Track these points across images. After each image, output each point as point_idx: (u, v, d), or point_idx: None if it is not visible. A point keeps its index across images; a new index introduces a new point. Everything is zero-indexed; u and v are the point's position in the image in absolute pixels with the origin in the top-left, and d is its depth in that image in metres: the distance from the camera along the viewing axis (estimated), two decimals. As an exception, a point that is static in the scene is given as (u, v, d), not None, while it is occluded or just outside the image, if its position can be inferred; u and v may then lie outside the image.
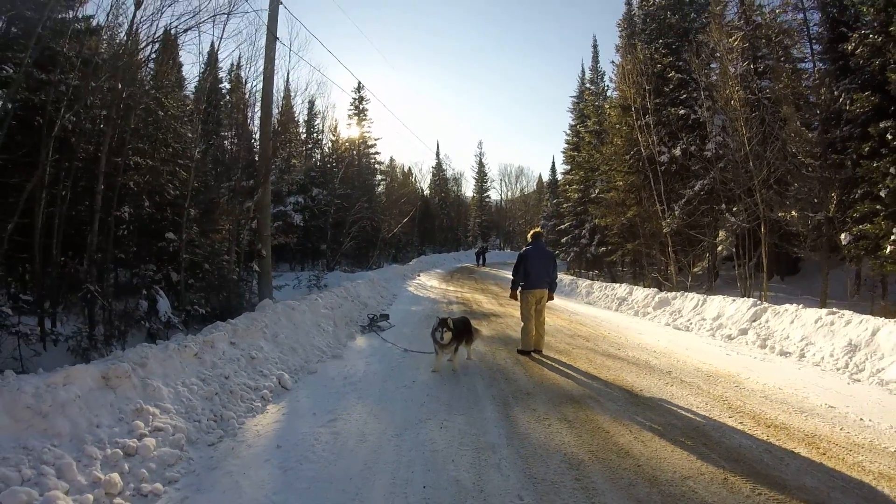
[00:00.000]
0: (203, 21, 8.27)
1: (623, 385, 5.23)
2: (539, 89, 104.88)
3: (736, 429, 3.91)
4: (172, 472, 3.23)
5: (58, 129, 7.18)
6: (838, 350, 5.98)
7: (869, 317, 6.23)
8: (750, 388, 5.02)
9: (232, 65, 16.97)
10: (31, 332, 6.62)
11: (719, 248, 17.36)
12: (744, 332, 7.74)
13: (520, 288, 6.96)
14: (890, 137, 9.90)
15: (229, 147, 15.70)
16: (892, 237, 9.60)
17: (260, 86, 11.64)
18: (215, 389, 4.38)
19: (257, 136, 14.31)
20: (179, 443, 3.52)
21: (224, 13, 8.75)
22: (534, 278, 6.75)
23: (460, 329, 5.87)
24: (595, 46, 28.36)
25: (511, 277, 7.14)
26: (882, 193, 10.01)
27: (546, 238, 30.80)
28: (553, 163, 48.76)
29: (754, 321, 7.93)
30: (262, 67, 10.96)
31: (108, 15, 8.27)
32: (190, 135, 11.47)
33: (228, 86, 18.22)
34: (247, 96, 13.74)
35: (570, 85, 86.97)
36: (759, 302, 8.60)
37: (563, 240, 26.62)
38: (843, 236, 11.06)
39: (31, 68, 6.92)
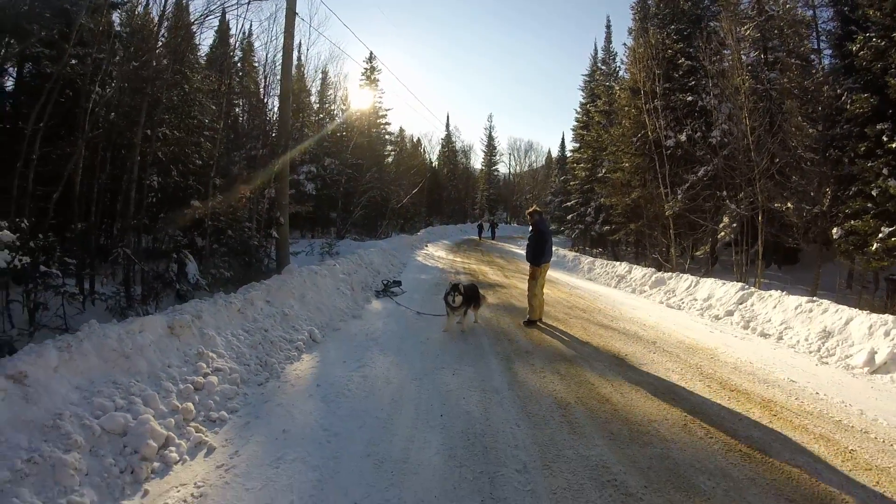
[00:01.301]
0: (230, 7, 8.71)
1: (611, 350, 5.89)
2: (552, 66, 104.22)
3: (703, 390, 4.55)
4: (233, 403, 3.93)
5: (91, 103, 7.64)
6: (813, 335, 6.39)
7: (844, 307, 6.62)
8: (724, 361, 5.60)
9: (244, 34, 17.20)
10: (76, 292, 7.25)
11: (721, 234, 17.77)
12: (730, 313, 8.21)
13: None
14: (885, 139, 10.19)
15: (242, 118, 16.22)
16: (880, 235, 9.96)
17: (278, 60, 11.94)
18: (258, 340, 5.09)
19: (270, 107, 14.78)
20: (236, 381, 4.23)
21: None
22: (548, 252, 7.31)
23: (470, 294, 6.54)
24: (608, 27, 28.34)
25: (525, 253, 7.44)
26: (874, 192, 10.34)
27: (553, 214, 30.58)
28: (563, 139, 48.59)
29: (741, 304, 8.39)
30: (280, 43, 11.23)
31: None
32: (214, 107, 11.99)
33: (241, 54, 18.53)
34: (264, 69, 14.18)
35: (582, 63, 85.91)
36: (746, 286, 9.06)
37: (569, 217, 26.92)
38: (834, 230, 11.36)
39: (72, 48, 7.28)
